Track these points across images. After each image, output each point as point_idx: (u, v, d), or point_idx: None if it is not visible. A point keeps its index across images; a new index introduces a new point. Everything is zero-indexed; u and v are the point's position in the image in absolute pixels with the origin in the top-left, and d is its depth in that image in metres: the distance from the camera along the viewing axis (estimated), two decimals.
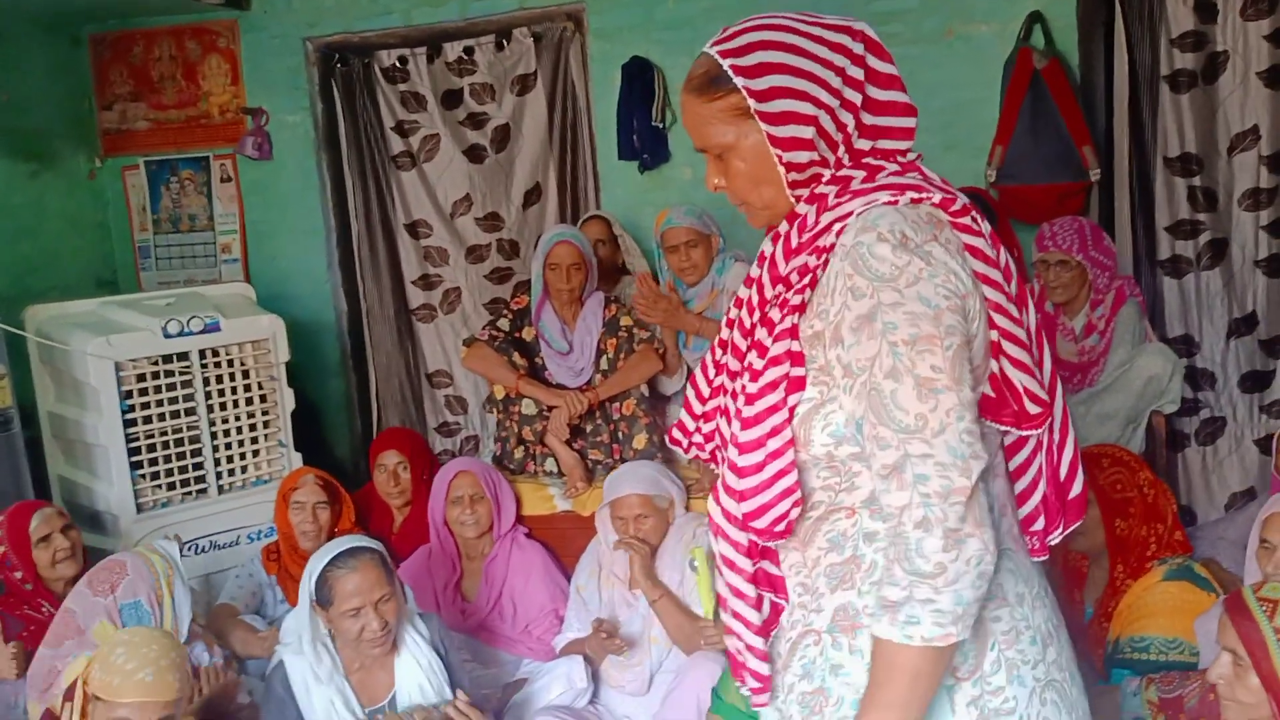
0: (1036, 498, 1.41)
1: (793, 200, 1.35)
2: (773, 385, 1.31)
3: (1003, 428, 1.33)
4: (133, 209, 5.09)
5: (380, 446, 3.73)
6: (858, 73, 1.30)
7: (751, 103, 1.29)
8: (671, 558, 3.08)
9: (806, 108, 1.29)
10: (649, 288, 3.53)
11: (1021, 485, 1.41)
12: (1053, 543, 1.44)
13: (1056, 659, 1.36)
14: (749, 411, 1.32)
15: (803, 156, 1.31)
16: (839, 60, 1.30)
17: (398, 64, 4.75)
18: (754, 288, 1.41)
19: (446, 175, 4.78)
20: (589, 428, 3.63)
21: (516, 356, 3.64)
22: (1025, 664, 1.32)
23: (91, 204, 5.03)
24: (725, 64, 1.30)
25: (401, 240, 4.87)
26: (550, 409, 3.57)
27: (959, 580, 1.19)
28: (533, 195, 4.73)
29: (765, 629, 1.40)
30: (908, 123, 1.35)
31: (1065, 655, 1.39)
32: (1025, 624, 1.33)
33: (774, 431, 1.31)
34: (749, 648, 1.40)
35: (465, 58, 4.68)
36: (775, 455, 1.31)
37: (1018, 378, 1.32)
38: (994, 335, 1.30)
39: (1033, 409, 1.33)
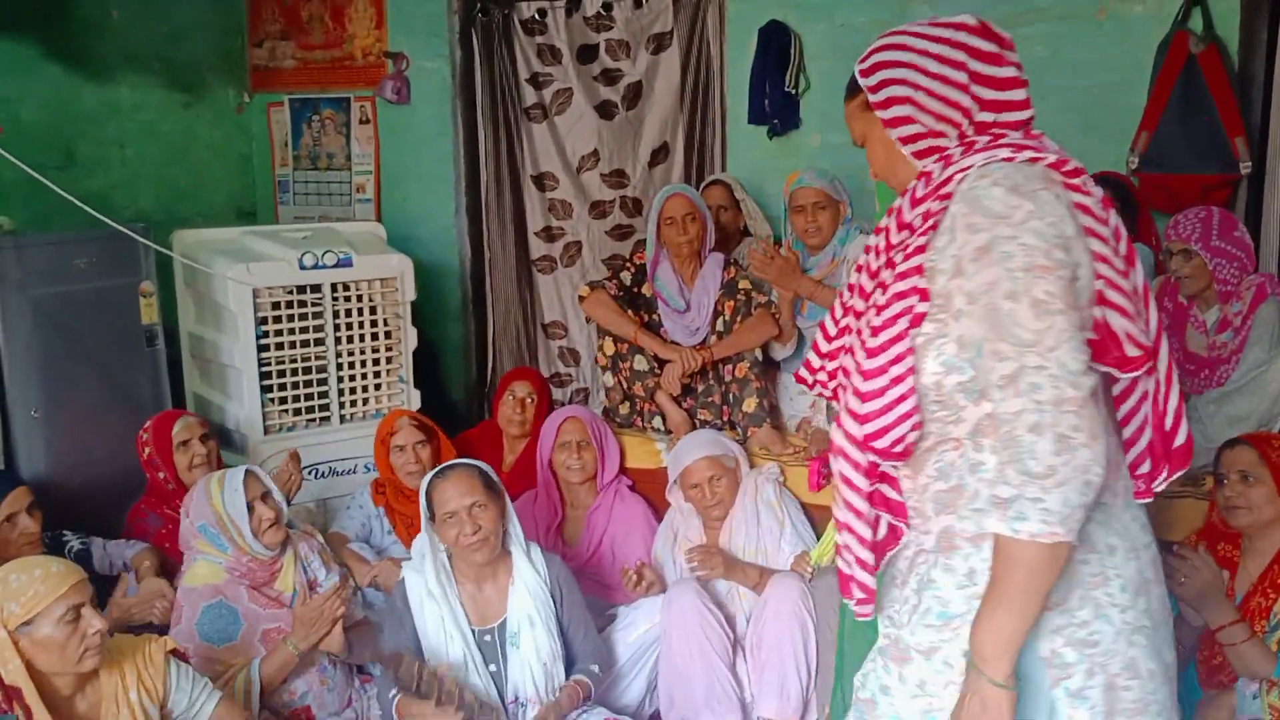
0: (1143, 443, 1.57)
1: (919, 168, 1.57)
2: (896, 318, 1.49)
3: (1105, 368, 1.45)
4: (275, 144, 5.28)
5: (513, 377, 3.87)
6: (958, 55, 1.53)
7: (869, 96, 1.58)
8: (742, 517, 3.19)
9: (904, 91, 1.55)
10: (765, 244, 3.54)
11: (1129, 432, 1.57)
12: (1158, 488, 1.58)
13: (1148, 608, 1.51)
14: (873, 342, 1.51)
15: (910, 130, 1.56)
16: (939, 50, 1.54)
17: (536, 16, 4.80)
18: (881, 235, 1.61)
19: (576, 129, 4.82)
20: (700, 388, 3.66)
21: (633, 313, 3.69)
22: (1114, 607, 1.48)
23: (237, 137, 5.22)
24: (855, 70, 1.61)
25: (528, 191, 4.94)
26: (661, 367, 3.60)
27: (1067, 484, 1.32)
28: (660, 154, 4.75)
29: (878, 547, 1.59)
30: (1019, 95, 1.54)
31: (1158, 607, 1.54)
32: (1115, 572, 1.49)
33: (897, 359, 1.49)
34: (859, 561, 1.59)
35: (603, 13, 4.71)
36: (897, 380, 1.49)
37: (1119, 323, 1.45)
38: (1099, 285, 1.45)
39: (1132, 352, 1.45)
